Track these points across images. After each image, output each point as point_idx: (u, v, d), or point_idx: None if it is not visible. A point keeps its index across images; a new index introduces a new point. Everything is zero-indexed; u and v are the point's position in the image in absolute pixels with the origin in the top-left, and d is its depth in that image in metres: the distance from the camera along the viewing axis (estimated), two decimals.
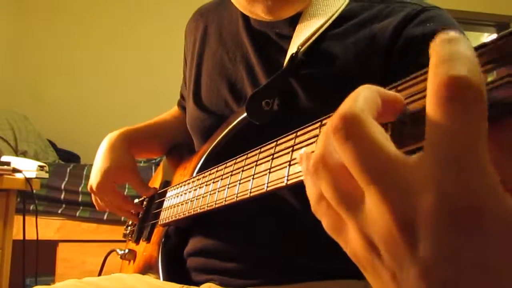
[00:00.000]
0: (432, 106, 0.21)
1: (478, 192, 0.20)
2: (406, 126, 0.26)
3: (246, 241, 0.66)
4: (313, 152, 0.27)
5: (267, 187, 0.43)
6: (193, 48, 0.82)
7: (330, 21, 0.62)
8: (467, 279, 0.20)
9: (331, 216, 0.26)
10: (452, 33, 0.22)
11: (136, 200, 1.00)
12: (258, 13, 0.64)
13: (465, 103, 0.20)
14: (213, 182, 0.60)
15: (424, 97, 0.22)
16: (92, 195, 0.88)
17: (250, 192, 0.47)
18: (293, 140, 0.40)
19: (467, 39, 0.22)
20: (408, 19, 0.59)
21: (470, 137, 0.20)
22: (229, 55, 0.73)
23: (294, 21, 0.65)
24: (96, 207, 0.90)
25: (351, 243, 0.25)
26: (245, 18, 0.72)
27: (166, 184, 0.86)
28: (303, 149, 0.37)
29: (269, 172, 0.44)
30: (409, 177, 0.21)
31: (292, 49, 0.62)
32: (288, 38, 0.64)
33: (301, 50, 0.61)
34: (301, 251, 0.63)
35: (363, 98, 0.24)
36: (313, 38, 0.61)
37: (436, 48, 0.22)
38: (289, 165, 0.39)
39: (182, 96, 0.94)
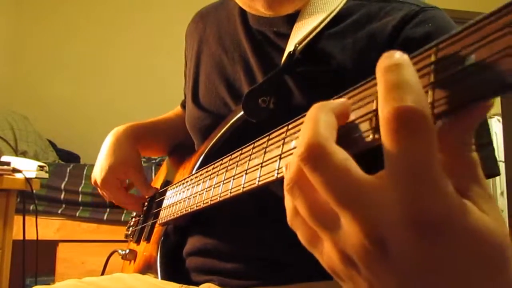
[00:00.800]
0: (385, 134, 0.23)
1: (437, 206, 0.22)
2: None
3: (246, 241, 0.66)
4: None
5: (259, 181, 0.44)
6: (192, 50, 0.83)
7: (328, 19, 0.62)
8: (432, 280, 0.23)
9: (306, 231, 0.28)
10: (396, 56, 0.25)
11: None
12: (258, 8, 0.64)
13: (412, 130, 0.22)
14: (209, 179, 0.60)
15: (373, 100, 0.27)
16: (98, 189, 0.88)
17: (243, 187, 0.48)
18: (284, 133, 0.40)
19: (408, 60, 0.25)
20: (407, 19, 0.59)
21: (421, 159, 0.22)
22: (227, 55, 0.73)
23: (292, 20, 0.65)
24: (105, 198, 0.89)
25: (326, 256, 0.27)
26: (243, 18, 0.73)
27: (167, 183, 0.86)
28: (293, 142, 0.37)
29: (261, 166, 0.44)
30: (375, 196, 0.24)
31: (289, 47, 0.62)
32: (286, 37, 0.64)
33: (299, 48, 0.61)
34: (300, 251, 0.63)
35: (323, 124, 0.26)
36: (311, 36, 0.61)
37: (382, 77, 0.24)
38: (280, 158, 0.39)
39: (185, 97, 0.94)
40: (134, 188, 0.91)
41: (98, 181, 0.84)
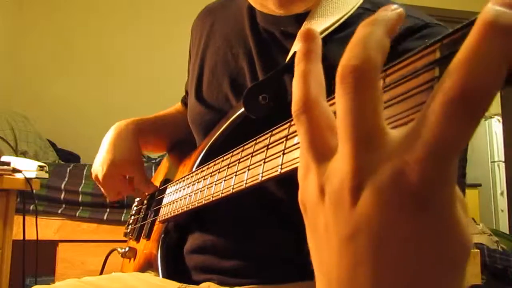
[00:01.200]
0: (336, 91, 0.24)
1: (428, 177, 0.20)
2: None
3: (245, 239, 0.66)
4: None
5: (262, 177, 0.44)
6: (198, 44, 0.82)
7: (337, 24, 0.62)
8: (386, 253, 0.21)
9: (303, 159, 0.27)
10: (375, 17, 0.25)
11: (136, 202, 1.00)
12: (270, 6, 0.64)
13: (352, 87, 0.23)
14: (211, 176, 0.60)
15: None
16: (98, 184, 0.86)
17: (246, 183, 0.48)
18: (287, 130, 0.40)
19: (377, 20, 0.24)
20: (409, 32, 0.58)
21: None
22: (232, 51, 0.73)
23: (300, 20, 0.65)
24: (107, 197, 0.87)
25: (305, 186, 0.26)
26: (251, 16, 0.73)
27: (166, 181, 0.86)
28: (296, 138, 0.38)
29: (264, 162, 0.44)
30: (382, 148, 0.22)
31: (295, 47, 0.62)
32: (293, 37, 0.64)
33: None
34: (300, 250, 0.63)
35: (375, 43, 0.24)
36: None
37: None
38: (283, 154, 0.40)
39: (186, 93, 0.94)
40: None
41: (100, 177, 0.83)
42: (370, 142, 0.22)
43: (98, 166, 0.83)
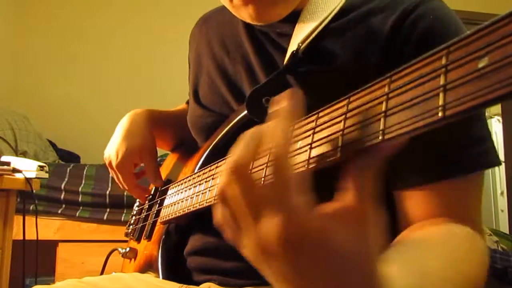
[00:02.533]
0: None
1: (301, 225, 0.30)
2: None
3: None
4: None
5: (263, 181, 0.44)
6: (195, 53, 0.83)
7: (329, 18, 0.62)
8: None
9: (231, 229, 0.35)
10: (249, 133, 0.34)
11: (138, 202, 1.00)
12: (246, 19, 0.64)
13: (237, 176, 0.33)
14: (212, 178, 0.60)
15: (340, 121, 0.34)
16: (110, 170, 0.86)
17: None
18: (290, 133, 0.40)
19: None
20: (407, 13, 0.58)
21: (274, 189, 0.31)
22: (229, 55, 0.73)
23: (294, 19, 0.65)
24: (121, 186, 0.87)
25: (250, 246, 0.33)
26: None
27: (168, 182, 0.86)
28: (299, 142, 0.38)
29: (267, 167, 0.44)
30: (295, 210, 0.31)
31: (292, 46, 0.62)
32: (288, 37, 0.64)
33: (302, 47, 0.61)
34: None
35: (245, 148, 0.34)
36: (313, 35, 0.61)
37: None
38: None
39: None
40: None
41: (114, 163, 0.82)
42: (288, 208, 0.30)
43: (113, 153, 0.83)
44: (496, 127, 4.51)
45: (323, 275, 0.31)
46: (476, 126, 0.56)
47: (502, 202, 4.33)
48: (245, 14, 0.62)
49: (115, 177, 0.86)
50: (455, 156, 0.53)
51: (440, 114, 0.24)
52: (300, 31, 0.63)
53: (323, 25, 0.61)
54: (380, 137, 0.28)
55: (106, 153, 0.85)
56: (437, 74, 0.25)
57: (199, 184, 0.65)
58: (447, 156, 0.54)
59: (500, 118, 4.16)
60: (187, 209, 0.66)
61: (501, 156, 4.31)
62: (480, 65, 0.23)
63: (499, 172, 4.48)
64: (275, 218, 0.30)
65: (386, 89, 0.29)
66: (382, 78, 0.30)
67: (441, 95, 0.25)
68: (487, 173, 4.57)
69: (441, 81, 0.25)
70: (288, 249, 0.30)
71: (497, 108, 3.93)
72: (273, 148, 0.32)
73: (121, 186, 0.87)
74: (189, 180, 0.70)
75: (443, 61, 0.25)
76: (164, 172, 0.94)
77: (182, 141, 0.95)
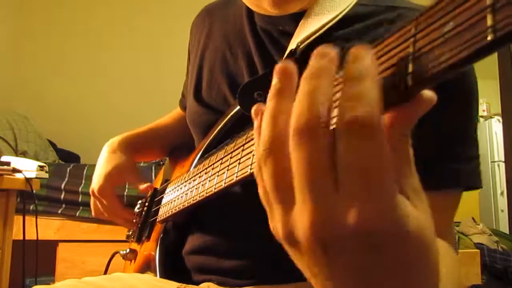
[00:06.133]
0: (339, 143, 0.24)
1: (384, 222, 0.24)
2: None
3: (245, 239, 0.66)
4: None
5: (250, 169, 0.44)
6: (197, 44, 0.82)
7: (333, 22, 0.62)
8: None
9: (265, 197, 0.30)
10: (362, 64, 0.25)
11: (138, 205, 1.00)
12: (264, 6, 0.64)
13: (363, 138, 0.24)
14: (205, 173, 0.60)
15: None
16: (92, 199, 0.91)
17: (236, 177, 0.48)
18: None
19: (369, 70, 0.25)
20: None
21: (372, 165, 0.24)
22: (231, 51, 0.73)
23: (298, 19, 0.65)
24: (93, 212, 0.93)
25: (277, 230, 0.29)
26: (250, 16, 0.73)
27: (166, 182, 0.86)
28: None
29: (253, 155, 0.44)
30: (336, 200, 0.25)
31: (292, 45, 0.62)
32: (290, 35, 0.64)
33: (300, 47, 0.61)
34: None
35: (321, 98, 0.26)
36: (314, 36, 0.61)
37: (344, 83, 0.25)
38: None
39: (183, 95, 0.94)
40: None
41: (96, 190, 0.88)
42: (324, 197, 0.25)
43: (95, 181, 0.89)
44: (496, 127, 4.51)
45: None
46: (466, 144, 0.56)
47: (502, 202, 4.33)
48: (265, 2, 0.62)
49: (99, 205, 0.91)
50: (436, 169, 0.53)
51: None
52: (302, 30, 0.63)
53: (326, 27, 0.61)
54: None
55: (90, 187, 0.91)
56: (408, 44, 0.26)
57: (193, 180, 0.65)
58: (427, 169, 0.54)
59: (500, 118, 4.16)
60: (182, 205, 0.67)
61: (501, 156, 4.31)
62: (446, 29, 0.23)
63: (499, 172, 4.48)
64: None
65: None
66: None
67: (411, 64, 0.25)
68: (487, 173, 4.57)
69: (411, 49, 0.25)
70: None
71: (497, 108, 3.93)
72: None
73: (105, 214, 0.92)
74: (185, 178, 0.71)
75: (412, 31, 0.26)
76: (163, 174, 0.95)
77: (176, 146, 0.95)
